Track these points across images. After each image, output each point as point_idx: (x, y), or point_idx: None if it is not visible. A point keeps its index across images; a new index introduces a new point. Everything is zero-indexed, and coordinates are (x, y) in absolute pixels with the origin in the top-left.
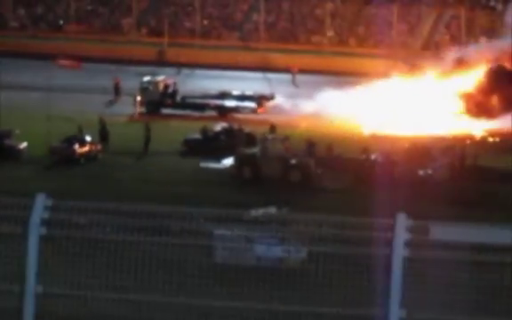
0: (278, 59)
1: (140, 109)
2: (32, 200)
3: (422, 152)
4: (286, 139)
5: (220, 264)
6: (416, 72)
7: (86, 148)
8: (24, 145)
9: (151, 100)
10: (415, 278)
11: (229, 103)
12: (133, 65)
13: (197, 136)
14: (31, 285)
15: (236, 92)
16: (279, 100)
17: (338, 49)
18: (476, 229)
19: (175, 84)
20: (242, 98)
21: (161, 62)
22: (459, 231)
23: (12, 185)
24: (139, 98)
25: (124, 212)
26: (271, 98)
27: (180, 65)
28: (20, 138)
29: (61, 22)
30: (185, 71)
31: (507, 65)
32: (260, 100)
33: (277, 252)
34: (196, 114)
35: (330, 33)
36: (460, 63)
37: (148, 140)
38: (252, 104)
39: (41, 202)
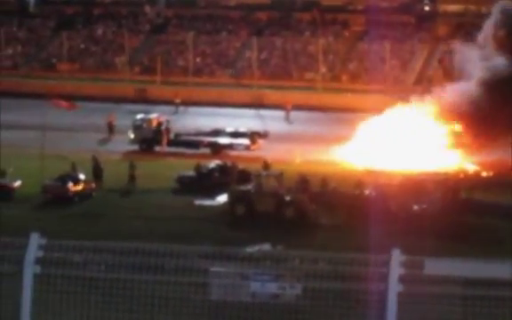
0: (271, 95)
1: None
2: (26, 239)
3: (416, 186)
4: (280, 175)
5: (216, 301)
6: (408, 107)
7: (80, 186)
8: (18, 183)
9: (144, 138)
10: (410, 314)
11: (223, 140)
12: (125, 103)
13: (191, 173)
14: None
15: (229, 129)
16: (273, 137)
17: (331, 85)
18: (471, 264)
19: (168, 121)
20: (235, 135)
21: (142, 100)
22: (453, 266)
23: (5, 224)
24: (132, 135)
25: (118, 250)
26: (265, 135)
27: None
28: (13, 176)
29: (54, 61)
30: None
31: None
32: (254, 136)
33: (272, 288)
34: (190, 151)
35: (323, 69)
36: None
37: (132, 178)
38: (245, 141)
39: (35, 241)
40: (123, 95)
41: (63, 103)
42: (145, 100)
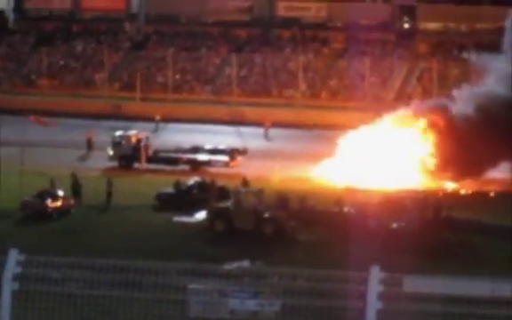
0: (251, 112)
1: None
2: (4, 256)
3: (395, 204)
4: (259, 192)
5: (194, 318)
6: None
7: (59, 203)
8: None
9: (123, 155)
10: None
11: (202, 157)
12: (102, 119)
13: (170, 190)
14: None
15: (208, 146)
16: (252, 154)
17: (310, 102)
18: (450, 281)
19: (147, 138)
20: (214, 151)
21: (117, 116)
22: (432, 283)
23: None
24: (111, 152)
25: (97, 266)
26: (244, 152)
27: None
28: None
29: (34, 77)
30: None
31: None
32: (233, 153)
33: (251, 305)
34: (169, 168)
35: (302, 86)
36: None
37: (109, 194)
38: (224, 158)
39: (13, 257)
40: (99, 111)
41: (41, 120)
42: (119, 116)
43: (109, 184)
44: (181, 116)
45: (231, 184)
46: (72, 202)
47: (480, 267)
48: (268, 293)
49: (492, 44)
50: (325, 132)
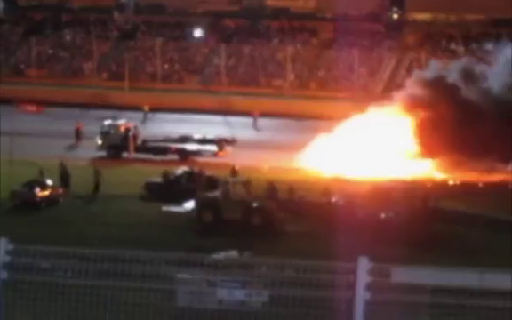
0: (239, 102)
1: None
2: None
3: (383, 195)
4: (247, 182)
5: (182, 307)
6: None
7: (47, 192)
8: None
9: (112, 144)
10: None
11: (190, 147)
12: (88, 109)
13: (159, 180)
14: None
15: (197, 136)
16: (241, 144)
17: (299, 92)
18: (438, 272)
19: (136, 127)
20: (203, 141)
21: (101, 106)
22: (421, 274)
23: None
24: (99, 142)
25: (85, 256)
26: (232, 142)
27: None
28: None
29: (23, 67)
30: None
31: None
32: (221, 143)
33: (239, 295)
34: (158, 157)
35: (291, 76)
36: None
37: (97, 184)
38: (212, 147)
39: (2, 246)
40: (86, 101)
41: (30, 107)
42: (104, 106)
43: (97, 174)
44: (170, 105)
45: (219, 174)
46: (61, 191)
47: (468, 257)
48: (256, 284)
49: (480, 35)
50: (314, 122)
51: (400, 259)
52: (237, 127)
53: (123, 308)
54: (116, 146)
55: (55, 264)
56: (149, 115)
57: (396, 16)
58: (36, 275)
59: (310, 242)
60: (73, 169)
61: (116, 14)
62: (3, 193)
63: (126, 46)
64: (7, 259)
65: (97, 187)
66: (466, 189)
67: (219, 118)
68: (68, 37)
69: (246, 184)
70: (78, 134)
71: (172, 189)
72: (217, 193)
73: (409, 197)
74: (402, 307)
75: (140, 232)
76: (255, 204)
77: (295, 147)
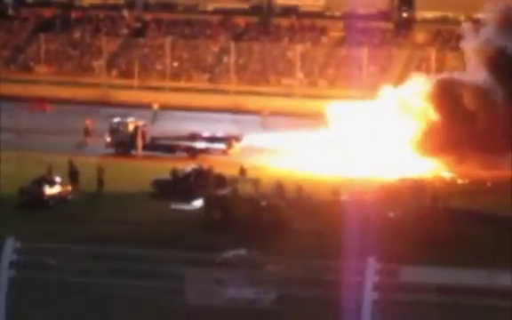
0: (249, 101)
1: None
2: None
3: (393, 194)
4: (256, 180)
5: (191, 306)
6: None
7: (56, 190)
8: None
9: (121, 142)
10: None
11: (199, 145)
12: (103, 106)
13: (167, 177)
14: None
15: (206, 134)
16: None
17: (308, 91)
18: (446, 271)
19: (144, 125)
20: (212, 139)
21: (105, 103)
22: (428, 273)
23: None
24: (108, 139)
25: (94, 254)
26: (241, 139)
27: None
28: None
29: (32, 64)
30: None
31: None
32: (230, 141)
33: (248, 293)
34: (166, 155)
35: (300, 75)
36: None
37: (100, 182)
38: (221, 145)
39: (10, 246)
40: (95, 98)
41: (38, 105)
42: (113, 103)
43: (100, 171)
44: (179, 103)
45: (228, 172)
46: (69, 189)
47: (476, 257)
48: (265, 282)
49: None
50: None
51: (409, 258)
52: (247, 125)
53: (132, 305)
54: (125, 143)
55: (63, 262)
56: (159, 112)
57: (405, 14)
58: (43, 273)
59: (319, 240)
60: (81, 166)
61: (125, 12)
62: (11, 190)
63: (136, 44)
64: (14, 257)
65: (100, 184)
66: (474, 188)
67: (228, 117)
68: (77, 35)
69: (255, 182)
70: (87, 131)
71: (181, 187)
72: (226, 191)
73: (418, 196)
74: (410, 306)
75: (149, 230)
76: (264, 203)
77: (304, 145)
